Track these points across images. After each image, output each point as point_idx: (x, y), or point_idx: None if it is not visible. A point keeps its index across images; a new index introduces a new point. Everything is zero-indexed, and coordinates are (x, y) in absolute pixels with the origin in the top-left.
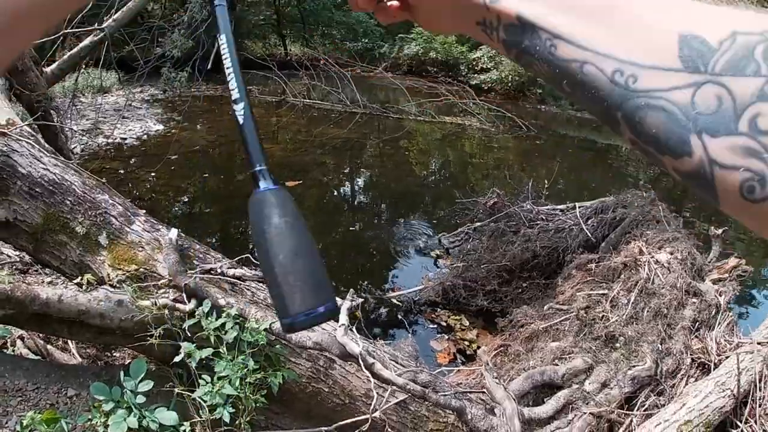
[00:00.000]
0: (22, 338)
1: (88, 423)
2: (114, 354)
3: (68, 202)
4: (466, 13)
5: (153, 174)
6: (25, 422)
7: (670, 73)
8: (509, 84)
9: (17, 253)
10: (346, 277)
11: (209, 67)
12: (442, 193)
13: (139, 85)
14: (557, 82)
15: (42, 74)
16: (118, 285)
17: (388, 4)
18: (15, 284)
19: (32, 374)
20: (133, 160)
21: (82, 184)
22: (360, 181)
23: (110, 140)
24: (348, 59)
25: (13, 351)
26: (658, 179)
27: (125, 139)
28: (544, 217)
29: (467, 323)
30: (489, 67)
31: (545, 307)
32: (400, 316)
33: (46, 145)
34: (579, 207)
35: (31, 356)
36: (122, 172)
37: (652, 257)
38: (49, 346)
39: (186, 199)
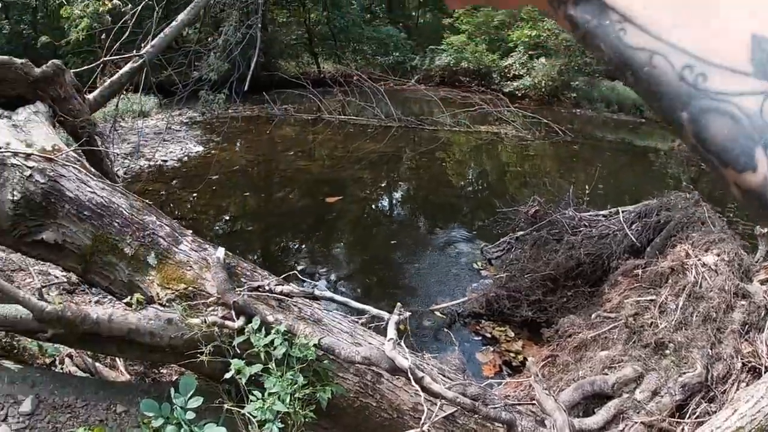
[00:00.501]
0: (70, 356)
1: None
2: (161, 371)
3: (116, 224)
4: None
5: (194, 194)
6: None
7: (741, 77)
8: (543, 89)
9: (64, 273)
10: (389, 291)
11: (246, 88)
12: (481, 203)
13: (177, 109)
14: (622, 71)
15: (85, 101)
16: (167, 304)
17: None
18: (66, 305)
19: (81, 391)
20: (174, 181)
21: (130, 207)
22: (398, 195)
23: (152, 162)
24: (380, 74)
25: (62, 369)
26: (699, 179)
27: (166, 161)
28: (587, 224)
29: (512, 334)
30: (521, 73)
31: (593, 316)
32: (444, 329)
33: (93, 170)
34: (622, 212)
35: (80, 374)
36: (164, 193)
37: (699, 260)
38: (97, 364)
39: (227, 218)
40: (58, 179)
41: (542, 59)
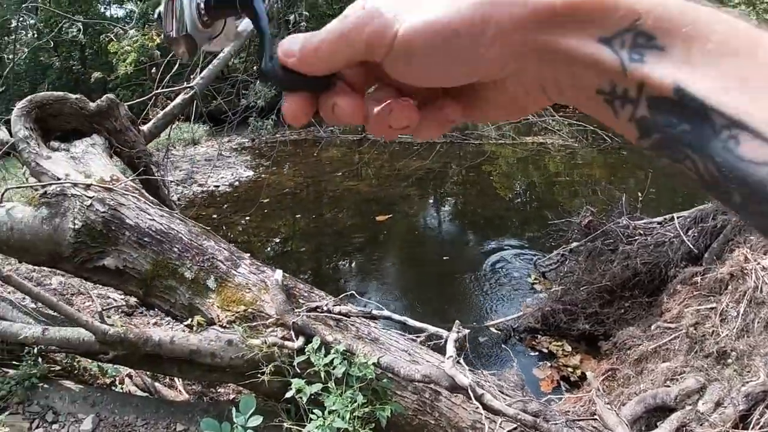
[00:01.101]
0: (130, 376)
1: None
2: (218, 390)
3: (176, 250)
4: (582, 77)
5: (247, 218)
6: None
7: None
8: None
9: (122, 296)
10: (444, 308)
11: None
12: (532, 215)
13: (227, 135)
14: (725, 189)
15: (140, 132)
16: (227, 325)
17: (444, 110)
18: (128, 327)
19: (141, 410)
20: (225, 205)
21: (188, 232)
22: (447, 210)
23: (204, 188)
24: None
25: (122, 388)
26: None
27: (218, 186)
28: (641, 232)
29: (569, 349)
30: None
31: (652, 327)
32: (500, 345)
33: (151, 198)
34: (677, 218)
35: (139, 393)
36: (216, 217)
37: (758, 264)
38: (156, 384)
39: (278, 240)
40: (118, 208)
41: None
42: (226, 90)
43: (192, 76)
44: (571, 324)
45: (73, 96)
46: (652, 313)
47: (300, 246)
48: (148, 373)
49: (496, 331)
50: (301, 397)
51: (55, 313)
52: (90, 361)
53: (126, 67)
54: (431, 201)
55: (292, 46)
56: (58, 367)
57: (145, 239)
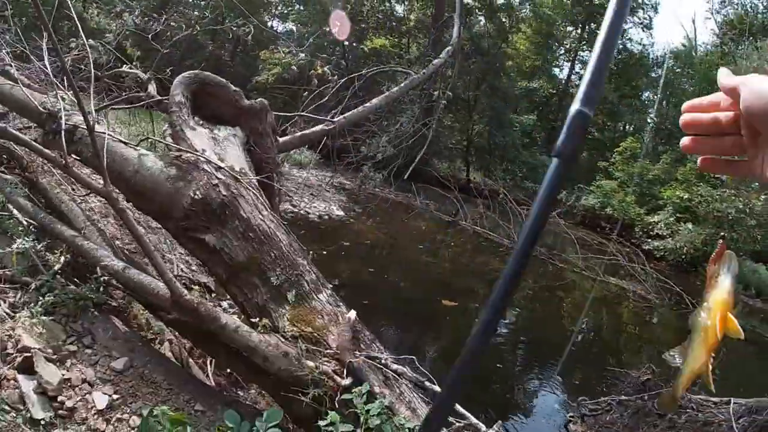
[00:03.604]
0: (170, 341)
1: None
2: (239, 392)
3: (273, 254)
4: None
5: (324, 252)
6: (155, 411)
7: None
8: (683, 256)
9: (196, 276)
10: (482, 411)
11: (405, 177)
12: (589, 355)
13: (333, 172)
14: None
15: (276, 142)
16: (290, 339)
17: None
18: (202, 300)
19: (171, 376)
20: (306, 231)
21: (289, 245)
22: (509, 319)
23: (296, 210)
24: (525, 198)
25: (159, 348)
26: None
27: (309, 212)
28: (694, 406)
29: None
30: (665, 234)
31: None
32: None
33: (267, 201)
34: (734, 403)
35: (173, 360)
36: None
37: None
38: (191, 360)
39: (338, 283)
40: (237, 197)
41: (689, 225)
42: (354, 135)
43: (335, 112)
44: None
45: (233, 87)
46: None
47: (358, 297)
48: (188, 345)
49: None
50: (330, 431)
51: (137, 258)
52: (143, 311)
53: (269, 76)
54: None
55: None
56: (114, 303)
57: (250, 234)
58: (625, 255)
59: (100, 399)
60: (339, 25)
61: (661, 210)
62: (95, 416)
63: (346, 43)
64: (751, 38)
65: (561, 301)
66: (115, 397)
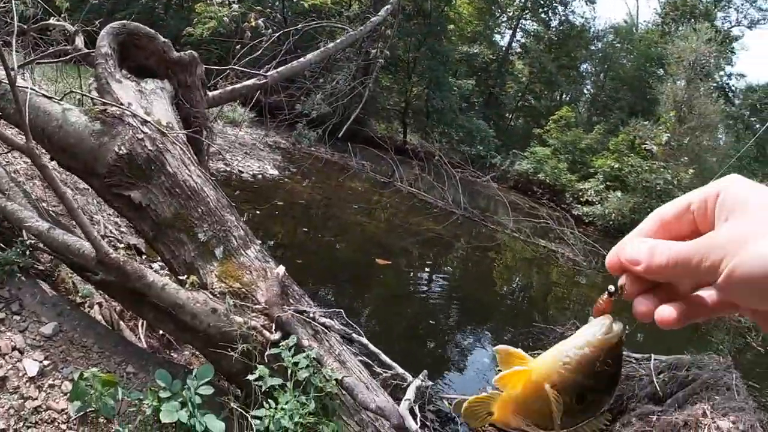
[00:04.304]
0: (100, 304)
1: (138, 401)
2: (172, 354)
3: (200, 210)
4: None
5: (258, 212)
6: (85, 375)
7: None
8: (611, 222)
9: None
10: (411, 364)
11: (339, 135)
12: (519, 312)
13: (267, 129)
14: None
15: (205, 96)
16: (218, 296)
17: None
18: (129, 258)
19: (101, 339)
20: (239, 192)
21: (216, 200)
22: (442, 278)
23: (229, 169)
24: (460, 161)
25: (89, 312)
26: (744, 351)
27: (242, 172)
28: None
29: None
30: (594, 200)
31: None
32: (450, 416)
33: (194, 156)
34: (654, 359)
35: (103, 323)
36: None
37: (714, 422)
38: (121, 322)
39: (273, 243)
40: (164, 152)
41: (618, 193)
42: (289, 91)
43: (268, 67)
44: None
45: (162, 38)
46: None
47: (292, 257)
48: (118, 308)
49: (447, 405)
50: (260, 385)
51: (64, 220)
52: (71, 274)
53: (203, 30)
54: (430, 263)
55: (636, 255)
56: (41, 267)
57: (177, 190)
58: (555, 219)
59: (31, 366)
60: None
61: (592, 178)
62: (27, 384)
63: None
64: (692, 20)
65: (492, 261)
66: (45, 363)
